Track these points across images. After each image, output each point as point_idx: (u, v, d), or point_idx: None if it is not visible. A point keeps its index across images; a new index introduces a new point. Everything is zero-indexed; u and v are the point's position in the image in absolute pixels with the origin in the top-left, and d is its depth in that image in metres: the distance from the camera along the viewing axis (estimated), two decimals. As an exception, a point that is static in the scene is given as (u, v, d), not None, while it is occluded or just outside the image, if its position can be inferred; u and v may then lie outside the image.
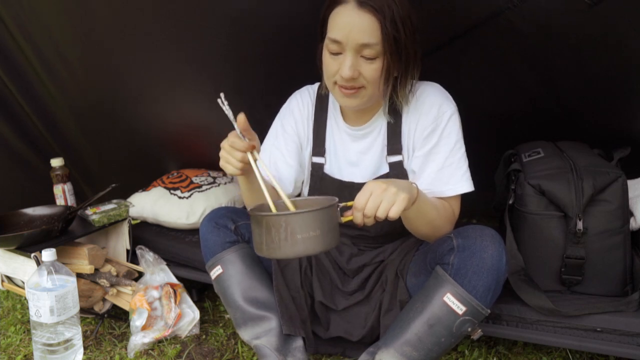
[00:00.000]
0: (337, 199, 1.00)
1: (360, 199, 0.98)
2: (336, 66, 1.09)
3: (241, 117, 1.02)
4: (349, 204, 1.01)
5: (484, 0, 1.19)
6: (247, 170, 1.07)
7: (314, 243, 0.93)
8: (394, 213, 0.96)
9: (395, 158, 1.22)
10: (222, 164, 1.06)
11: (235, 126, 1.02)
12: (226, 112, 1.01)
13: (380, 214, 0.96)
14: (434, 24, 1.23)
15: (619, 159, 1.35)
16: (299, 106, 1.31)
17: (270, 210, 1.01)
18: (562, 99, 1.48)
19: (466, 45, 1.36)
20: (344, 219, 1.00)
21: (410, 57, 1.10)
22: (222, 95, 1.00)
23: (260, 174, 1.03)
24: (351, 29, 1.04)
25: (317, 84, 1.33)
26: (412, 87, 1.18)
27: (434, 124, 1.17)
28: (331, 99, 1.29)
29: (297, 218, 0.92)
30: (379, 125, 1.23)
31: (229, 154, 1.04)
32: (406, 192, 0.98)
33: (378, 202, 0.96)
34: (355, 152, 1.26)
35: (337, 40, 1.06)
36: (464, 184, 1.17)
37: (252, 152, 1.03)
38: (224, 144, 1.05)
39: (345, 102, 1.14)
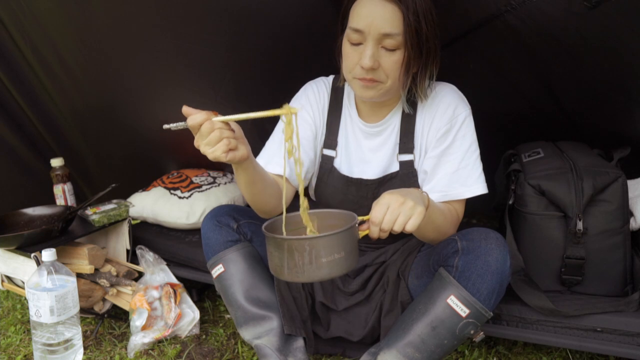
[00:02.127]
0: (356, 216, 0.98)
1: (377, 213, 0.96)
2: (356, 57, 1.09)
3: (184, 109, 0.94)
4: (365, 218, 0.99)
5: (483, 3, 1.19)
6: (238, 151, 0.97)
7: (339, 265, 0.90)
8: (410, 227, 0.95)
9: (406, 157, 1.22)
10: (208, 151, 0.94)
11: (188, 120, 0.94)
12: (177, 126, 0.93)
13: (397, 228, 0.95)
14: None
15: (619, 159, 1.35)
16: (315, 95, 1.30)
17: (282, 227, 0.98)
18: (562, 99, 1.49)
19: (466, 46, 1.36)
20: (360, 234, 0.98)
21: (430, 51, 1.10)
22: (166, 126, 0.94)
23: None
24: (374, 18, 1.04)
25: (331, 77, 1.33)
26: (430, 85, 1.18)
27: (449, 124, 1.17)
28: (346, 93, 1.29)
29: (322, 241, 0.88)
30: (393, 123, 1.23)
31: (200, 136, 0.93)
32: (422, 205, 0.97)
33: (395, 216, 0.95)
34: (367, 150, 1.26)
35: (359, 29, 1.06)
36: (479, 186, 1.17)
37: (215, 115, 0.93)
38: (196, 140, 0.95)
39: (363, 92, 1.13)
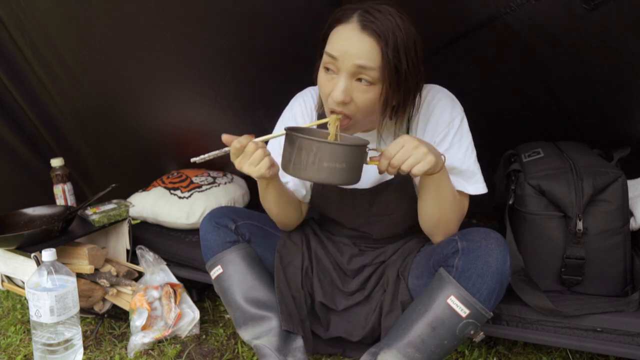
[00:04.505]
0: (368, 141, 1.03)
1: (391, 148, 1.00)
2: (330, 88, 1.07)
3: (224, 137, 1.04)
4: (380, 150, 1.04)
5: (482, 5, 1.19)
6: (275, 167, 1.09)
7: (337, 174, 0.97)
8: (417, 170, 0.98)
9: None
10: (254, 170, 1.05)
11: (234, 143, 1.04)
12: (209, 155, 1.04)
13: (405, 168, 0.99)
14: (434, 26, 1.23)
15: (619, 159, 1.35)
16: (301, 110, 1.29)
17: (308, 133, 1.06)
18: (562, 99, 1.49)
19: (466, 46, 1.36)
20: (370, 162, 1.04)
21: (410, 88, 1.07)
22: (195, 159, 1.04)
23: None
24: (349, 47, 1.01)
25: None
26: (411, 113, 1.17)
27: (445, 130, 1.16)
28: None
29: (328, 147, 0.97)
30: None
31: (244, 157, 1.04)
32: (434, 156, 1.00)
33: (407, 156, 0.99)
34: None
35: (334, 55, 1.03)
36: (480, 186, 1.18)
37: (252, 137, 1.05)
38: (234, 158, 1.05)
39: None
